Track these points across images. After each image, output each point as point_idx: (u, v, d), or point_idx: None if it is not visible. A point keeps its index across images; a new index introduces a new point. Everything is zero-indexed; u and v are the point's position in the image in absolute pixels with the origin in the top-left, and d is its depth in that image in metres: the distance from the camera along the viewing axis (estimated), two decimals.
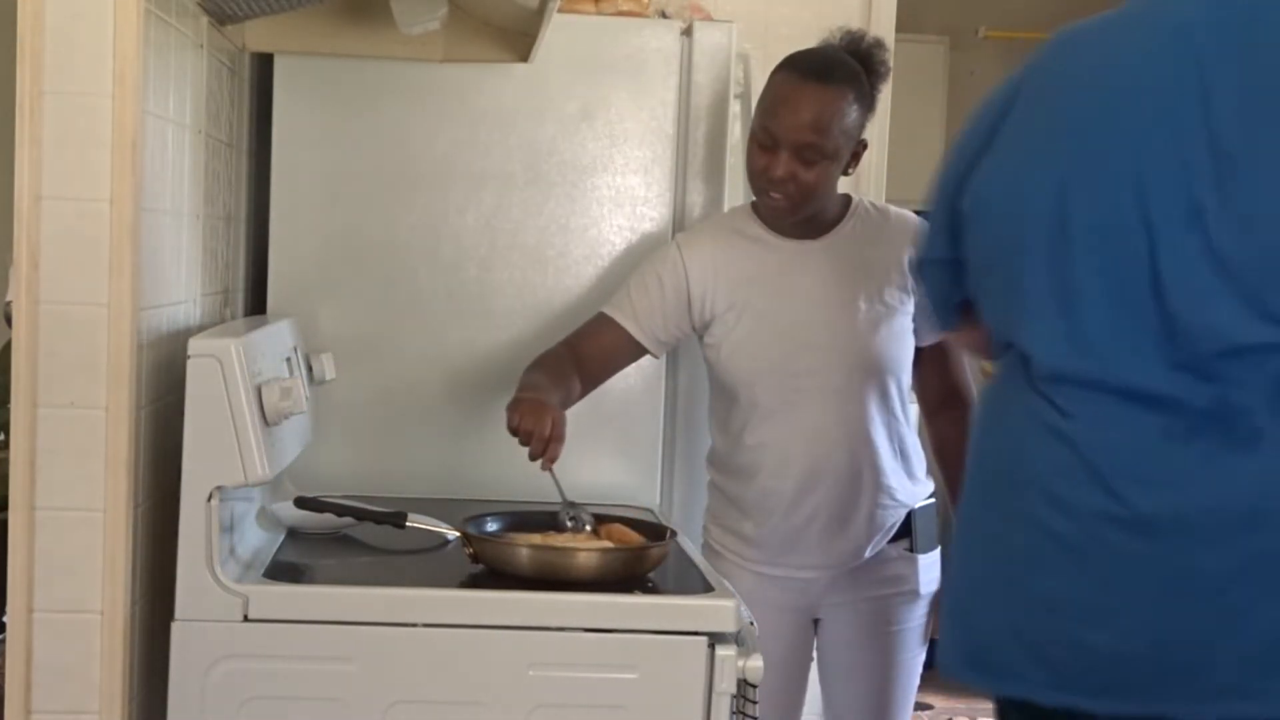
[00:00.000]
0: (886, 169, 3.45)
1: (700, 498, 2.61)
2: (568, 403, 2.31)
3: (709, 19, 2.74)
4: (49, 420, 1.85)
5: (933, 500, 2.49)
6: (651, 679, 1.93)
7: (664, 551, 2.11)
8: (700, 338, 2.43)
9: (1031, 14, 5.41)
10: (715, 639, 1.93)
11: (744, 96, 2.88)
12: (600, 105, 2.60)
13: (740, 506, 2.42)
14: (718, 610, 1.96)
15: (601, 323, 2.42)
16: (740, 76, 2.83)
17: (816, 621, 2.48)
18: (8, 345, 1.93)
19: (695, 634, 1.94)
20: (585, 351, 2.39)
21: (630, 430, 2.61)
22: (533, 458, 2.15)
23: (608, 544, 2.11)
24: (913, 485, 2.44)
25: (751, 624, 2.01)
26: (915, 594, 2.45)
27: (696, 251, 2.40)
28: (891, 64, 2.40)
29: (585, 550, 2.05)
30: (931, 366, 2.46)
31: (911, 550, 2.44)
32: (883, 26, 3.25)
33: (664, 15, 2.72)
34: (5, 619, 1.94)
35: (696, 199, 2.64)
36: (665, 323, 2.40)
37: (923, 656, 2.51)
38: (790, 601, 2.43)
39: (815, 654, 2.52)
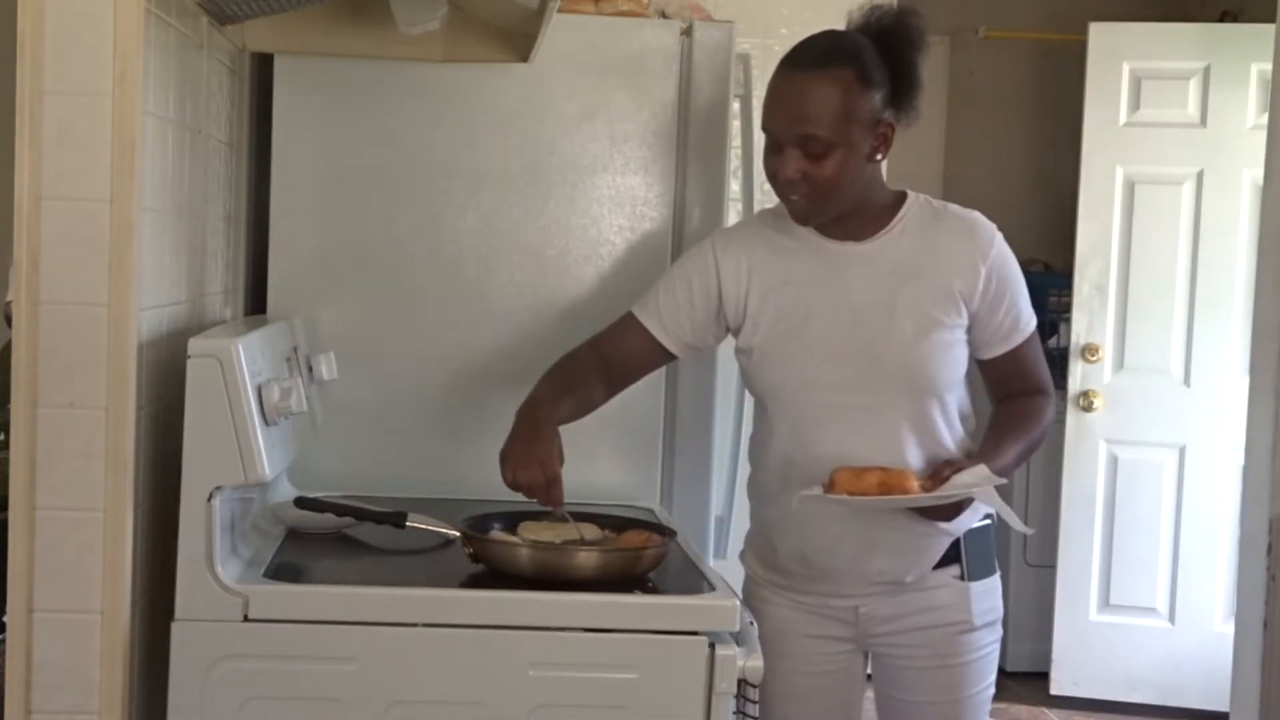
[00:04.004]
0: (886, 169, 3.44)
1: (703, 498, 2.61)
2: (583, 409, 2.23)
3: (709, 19, 2.74)
4: (49, 420, 1.85)
5: (988, 522, 2.28)
6: (652, 679, 1.93)
7: (664, 551, 2.11)
8: (737, 341, 2.29)
9: (1031, 14, 5.42)
10: (715, 639, 1.94)
11: (744, 96, 2.88)
12: (600, 105, 2.59)
13: (769, 531, 2.30)
14: (718, 610, 1.96)
15: (627, 325, 2.30)
16: (740, 76, 2.83)
17: (868, 656, 2.34)
18: (8, 345, 1.93)
19: (695, 634, 1.94)
20: (611, 355, 2.29)
21: (630, 430, 2.60)
22: (543, 504, 2.08)
23: (607, 544, 2.11)
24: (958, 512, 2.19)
25: (751, 624, 2.00)
26: (969, 625, 2.24)
27: (731, 252, 2.25)
28: (925, 29, 2.22)
29: (585, 550, 2.05)
30: (1003, 377, 2.27)
31: (962, 578, 2.24)
32: None
33: (664, 15, 2.72)
34: (5, 619, 1.93)
35: (696, 199, 2.64)
36: (694, 326, 2.26)
37: (991, 690, 2.31)
38: (831, 631, 2.29)
39: (872, 690, 2.36)
